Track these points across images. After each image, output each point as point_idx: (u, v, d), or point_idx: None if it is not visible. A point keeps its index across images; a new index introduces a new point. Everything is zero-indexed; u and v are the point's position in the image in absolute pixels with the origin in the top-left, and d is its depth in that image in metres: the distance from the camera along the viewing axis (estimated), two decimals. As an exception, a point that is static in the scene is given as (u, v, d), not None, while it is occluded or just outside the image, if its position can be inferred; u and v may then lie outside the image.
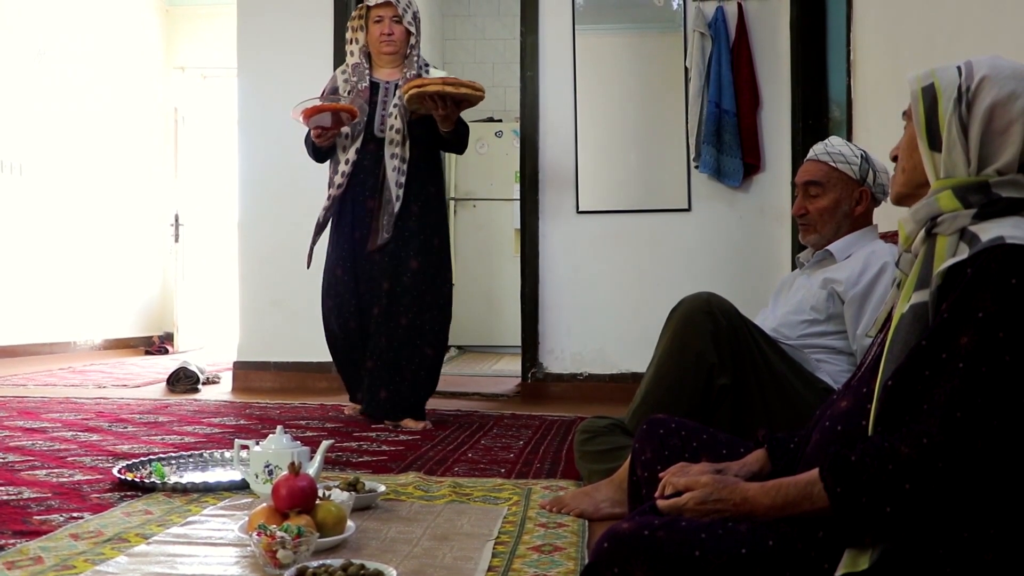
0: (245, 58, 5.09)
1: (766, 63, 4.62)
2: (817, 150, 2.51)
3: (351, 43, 3.84)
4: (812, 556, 1.28)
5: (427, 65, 3.84)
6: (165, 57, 8.70)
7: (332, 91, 3.80)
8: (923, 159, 1.37)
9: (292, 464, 1.84)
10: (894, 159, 1.49)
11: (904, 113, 1.46)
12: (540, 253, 4.76)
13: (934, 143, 1.35)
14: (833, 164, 2.46)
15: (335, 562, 1.55)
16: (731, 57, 4.56)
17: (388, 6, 3.69)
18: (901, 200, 1.46)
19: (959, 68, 1.36)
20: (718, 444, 1.72)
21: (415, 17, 3.77)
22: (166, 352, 7.85)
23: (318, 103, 3.56)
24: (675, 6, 4.69)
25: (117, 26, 7.89)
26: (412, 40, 3.75)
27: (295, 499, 1.78)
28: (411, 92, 3.44)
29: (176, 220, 8.18)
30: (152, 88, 8.46)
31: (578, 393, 4.64)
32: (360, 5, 3.83)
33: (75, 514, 2.10)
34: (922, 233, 1.35)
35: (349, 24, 3.86)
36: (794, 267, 2.69)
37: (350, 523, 1.87)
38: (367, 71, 3.78)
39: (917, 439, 1.19)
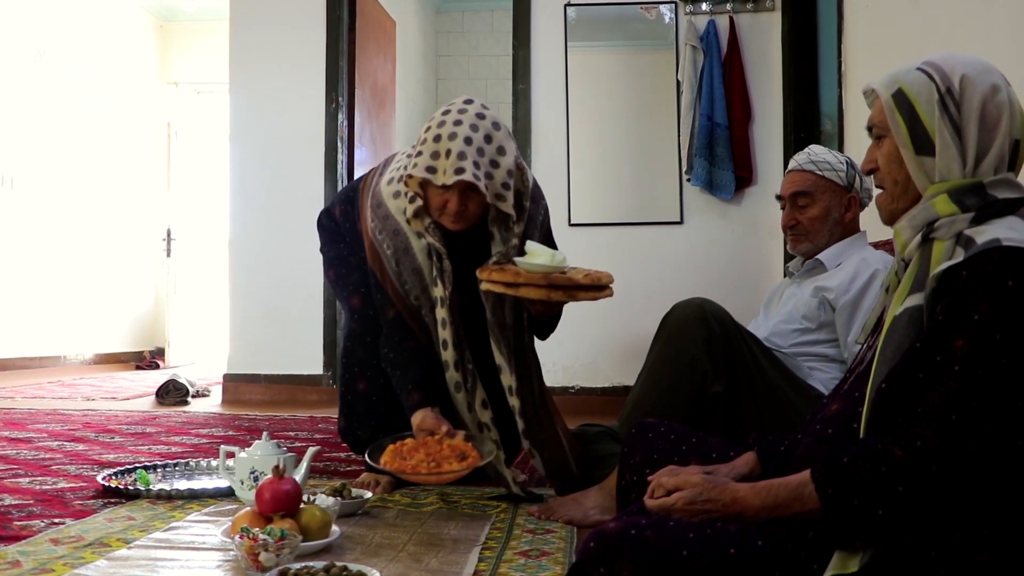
0: (237, 73, 5.09)
1: (758, 76, 4.62)
2: (800, 160, 2.49)
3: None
4: (802, 557, 1.26)
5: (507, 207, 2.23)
6: (159, 72, 8.71)
7: (402, 252, 2.32)
8: (911, 167, 1.34)
9: (276, 467, 1.81)
10: (869, 173, 1.46)
11: (870, 128, 1.42)
12: (532, 265, 4.74)
13: (922, 148, 1.33)
14: (820, 172, 2.44)
15: (317, 564, 1.53)
16: (723, 70, 4.57)
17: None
18: (896, 217, 1.39)
19: (922, 70, 1.34)
20: (708, 448, 1.70)
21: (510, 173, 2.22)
22: (157, 367, 7.81)
23: (418, 461, 2.03)
24: (667, 20, 4.70)
25: (111, 41, 7.89)
26: (507, 205, 2.23)
27: (279, 503, 1.76)
28: (491, 288, 2.19)
29: (168, 235, 8.17)
30: (146, 103, 8.45)
31: (569, 406, 4.59)
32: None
33: (56, 520, 2.07)
34: (918, 238, 1.33)
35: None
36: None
37: (335, 528, 1.85)
38: (442, 246, 2.29)
39: (911, 441, 1.17)
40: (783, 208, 2.51)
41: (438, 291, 2.28)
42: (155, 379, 5.97)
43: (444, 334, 2.28)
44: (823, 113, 4.37)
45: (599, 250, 4.72)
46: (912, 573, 1.21)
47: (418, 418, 2.17)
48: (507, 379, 2.32)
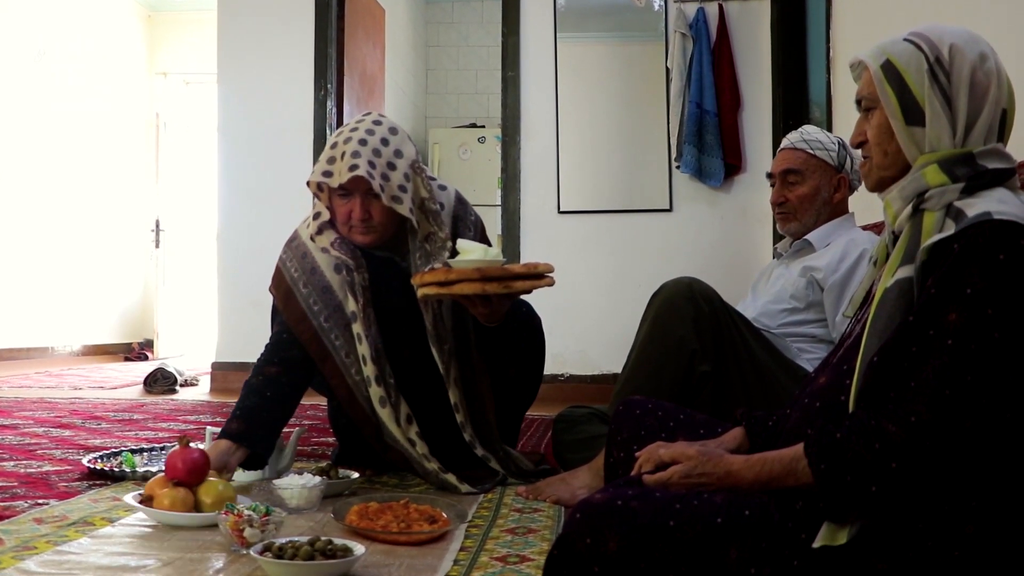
0: (225, 64, 5.06)
1: (747, 64, 4.62)
2: (793, 138, 2.49)
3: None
4: (789, 527, 1.26)
5: (432, 193, 2.29)
6: (148, 63, 8.66)
7: (309, 272, 2.33)
8: (901, 138, 1.34)
9: (182, 438, 1.86)
10: (858, 146, 1.46)
11: (859, 101, 1.42)
12: (520, 253, 4.74)
13: (912, 118, 1.33)
14: (811, 151, 2.44)
15: (302, 538, 1.52)
16: (712, 58, 4.57)
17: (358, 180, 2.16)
18: (883, 184, 1.41)
19: (910, 41, 1.34)
20: (695, 424, 1.70)
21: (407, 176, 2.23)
22: (146, 358, 7.77)
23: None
24: (656, 7, 4.70)
25: (99, 32, 7.84)
26: (404, 208, 2.21)
27: (189, 472, 1.82)
28: (426, 292, 2.08)
29: (157, 226, 8.13)
30: (134, 93, 8.40)
31: (559, 394, 4.60)
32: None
33: (41, 501, 2.05)
34: (908, 209, 1.33)
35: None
36: (775, 262, 2.66)
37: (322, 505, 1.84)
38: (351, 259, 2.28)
39: (904, 417, 1.17)
40: (772, 186, 2.51)
41: (351, 305, 2.23)
42: (144, 370, 5.94)
43: (362, 349, 2.21)
44: (812, 100, 4.38)
45: (588, 238, 4.73)
46: (900, 544, 1.20)
47: (216, 447, 2.06)
48: (452, 393, 2.27)
